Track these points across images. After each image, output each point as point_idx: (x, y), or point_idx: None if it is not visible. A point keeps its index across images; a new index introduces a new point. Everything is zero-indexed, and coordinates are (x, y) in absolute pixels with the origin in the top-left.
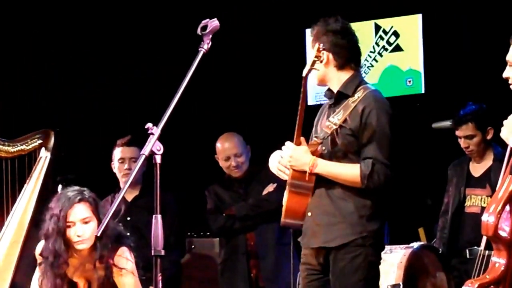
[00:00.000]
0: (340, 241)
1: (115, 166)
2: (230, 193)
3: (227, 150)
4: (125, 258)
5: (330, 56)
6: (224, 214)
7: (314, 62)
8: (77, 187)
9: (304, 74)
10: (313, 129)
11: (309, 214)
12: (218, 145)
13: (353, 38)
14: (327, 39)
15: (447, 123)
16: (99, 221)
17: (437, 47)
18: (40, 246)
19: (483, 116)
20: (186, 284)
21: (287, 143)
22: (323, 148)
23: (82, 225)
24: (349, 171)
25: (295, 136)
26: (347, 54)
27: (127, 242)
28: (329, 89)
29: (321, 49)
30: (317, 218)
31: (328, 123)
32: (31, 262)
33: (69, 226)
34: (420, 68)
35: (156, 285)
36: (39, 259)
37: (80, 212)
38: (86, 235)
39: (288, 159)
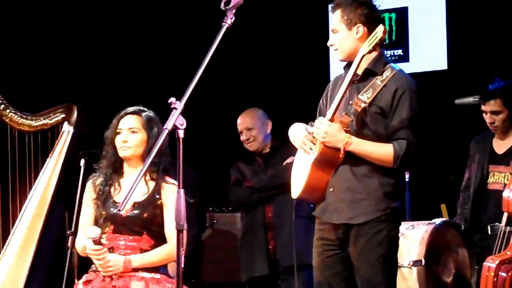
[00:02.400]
0: (365, 218)
1: None
2: (252, 167)
3: (240, 124)
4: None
5: (365, 29)
6: (243, 186)
7: (378, 44)
8: None
9: (364, 53)
10: (324, 102)
11: (331, 190)
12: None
13: (379, 12)
14: (362, 11)
15: (470, 99)
16: (148, 139)
17: (461, 23)
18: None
19: (511, 93)
20: (207, 259)
21: (321, 119)
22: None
23: (129, 134)
24: (382, 151)
25: (332, 112)
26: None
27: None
28: (349, 65)
29: (386, 30)
30: (341, 194)
31: (357, 100)
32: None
33: (118, 133)
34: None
35: (178, 259)
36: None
37: (129, 121)
38: (130, 143)
39: (322, 135)
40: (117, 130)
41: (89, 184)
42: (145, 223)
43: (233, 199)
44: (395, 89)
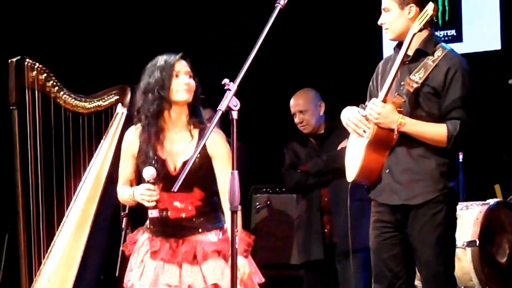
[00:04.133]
0: (423, 198)
1: None
2: (306, 149)
3: (293, 107)
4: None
5: (417, 9)
6: (299, 170)
7: (429, 22)
8: None
9: (415, 31)
10: (374, 83)
11: (387, 171)
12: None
13: None
14: None
15: None
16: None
17: None
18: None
19: None
20: (262, 240)
21: (374, 100)
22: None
23: (188, 77)
24: (436, 131)
25: (384, 93)
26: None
27: None
28: (399, 45)
29: (437, 8)
30: (398, 176)
31: (409, 81)
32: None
33: (176, 76)
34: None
35: (233, 240)
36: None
37: (185, 65)
38: (191, 86)
39: (376, 116)
40: (175, 72)
41: (130, 135)
42: (194, 175)
43: (289, 184)
44: (447, 69)
